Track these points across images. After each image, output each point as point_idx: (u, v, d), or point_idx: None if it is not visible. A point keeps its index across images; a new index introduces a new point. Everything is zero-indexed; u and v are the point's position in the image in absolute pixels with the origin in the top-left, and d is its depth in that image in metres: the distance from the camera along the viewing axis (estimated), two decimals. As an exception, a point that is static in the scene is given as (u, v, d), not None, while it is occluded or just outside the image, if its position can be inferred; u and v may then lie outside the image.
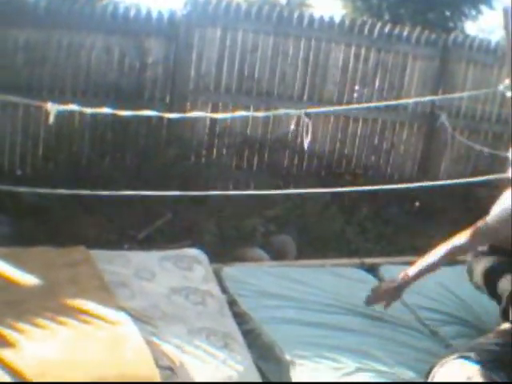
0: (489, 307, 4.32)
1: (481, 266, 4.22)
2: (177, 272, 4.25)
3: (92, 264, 4.01)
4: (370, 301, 4.17)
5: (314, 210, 6.87)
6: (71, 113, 6.71)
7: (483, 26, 13.41)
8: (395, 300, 4.10)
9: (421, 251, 4.44)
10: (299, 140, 7.63)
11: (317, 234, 6.68)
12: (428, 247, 5.05)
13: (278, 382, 3.62)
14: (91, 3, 6.89)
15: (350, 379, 3.61)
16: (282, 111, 6.43)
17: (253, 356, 3.71)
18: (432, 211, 7.38)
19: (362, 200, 6.92)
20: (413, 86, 8.00)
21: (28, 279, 3.69)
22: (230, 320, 3.96)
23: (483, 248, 4.23)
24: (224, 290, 4.31)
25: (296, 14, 7.59)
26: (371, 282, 4.96)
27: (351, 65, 7.81)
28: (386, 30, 7.85)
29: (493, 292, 4.13)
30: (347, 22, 7.81)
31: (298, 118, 6.94)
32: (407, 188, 5.90)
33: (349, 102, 7.68)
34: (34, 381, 2.89)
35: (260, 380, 3.53)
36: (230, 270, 4.62)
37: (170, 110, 6.69)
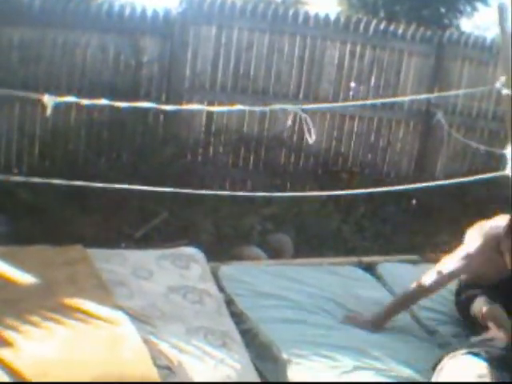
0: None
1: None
2: (174, 271, 4.25)
3: (89, 263, 4.01)
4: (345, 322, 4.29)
5: (311, 208, 6.87)
6: (67, 111, 6.72)
7: (478, 23, 13.40)
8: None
9: (418, 249, 4.46)
10: (296, 138, 7.65)
11: (314, 233, 6.67)
12: (425, 245, 5.08)
13: (278, 381, 3.61)
14: (86, 2, 6.87)
15: (347, 378, 3.62)
16: (278, 106, 6.41)
17: (250, 355, 3.72)
18: (429, 209, 7.39)
19: (358, 198, 6.91)
20: (408, 84, 7.99)
21: (26, 278, 3.69)
22: (228, 319, 3.97)
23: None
24: (221, 289, 4.32)
25: (291, 12, 7.57)
26: (369, 280, 4.98)
27: (347, 62, 7.80)
28: (382, 27, 7.84)
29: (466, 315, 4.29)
30: (342, 20, 7.79)
31: (295, 115, 6.95)
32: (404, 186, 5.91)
33: (345, 100, 7.69)
34: (33, 380, 2.89)
35: (258, 379, 3.53)
36: (227, 269, 4.62)
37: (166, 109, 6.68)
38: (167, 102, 7.05)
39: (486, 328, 3.98)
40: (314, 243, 6.54)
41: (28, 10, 6.52)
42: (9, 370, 2.91)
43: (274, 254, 6.00)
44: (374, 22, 7.90)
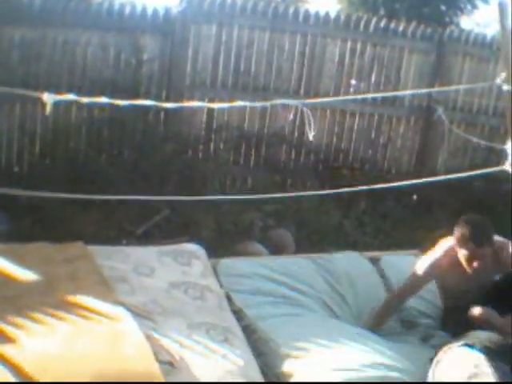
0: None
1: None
2: (176, 267, 4.24)
3: (90, 259, 4.00)
4: None
5: (312, 204, 6.87)
6: (68, 109, 6.73)
7: (478, 20, 13.36)
8: None
9: (419, 244, 4.48)
10: (296, 134, 7.66)
11: (315, 228, 6.69)
12: (425, 240, 5.08)
13: (278, 381, 3.61)
14: (86, 0, 6.88)
15: (345, 373, 3.60)
16: (279, 101, 6.42)
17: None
18: (429, 204, 7.40)
19: (359, 194, 6.92)
20: (409, 81, 7.99)
21: (26, 275, 3.69)
22: (229, 314, 3.96)
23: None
24: (220, 285, 4.32)
25: (291, 10, 7.58)
26: (369, 273, 4.98)
27: (347, 60, 7.81)
28: (382, 24, 7.85)
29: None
30: (342, 17, 7.80)
31: (296, 111, 6.95)
32: (404, 181, 5.92)
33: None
34: (35, 376, 2.89)
35: (260, 374, 3.53)
36: (225, 265, 4.62)
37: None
38: (168, 100, 7.07)
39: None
40: (315, 239, 6.56)
41: (28, 9, 6.54)
42: (10, 365, 2.91)
43: (276, 249, 6.01)
44: (375, 19, 7.91)
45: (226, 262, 4.65)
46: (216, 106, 6.79)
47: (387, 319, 4.49)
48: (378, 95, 7.50)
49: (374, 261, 5.04)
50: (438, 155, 8.24)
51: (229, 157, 7.62)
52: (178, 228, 6.20)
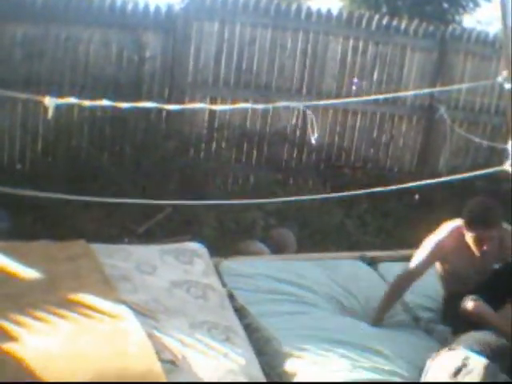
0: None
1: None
2: (177, 266, 4.25)
3: (92, 258, 4.01)
4: None
5: (314, 203, 6.86)
6: (70, 107, 6.72)
7: (481, 18, 13.34)
8: None
9: (420, 244, 4.47)
10: (298, 133, 7.65)
11: (317, 227, 6.68)
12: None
13: (279, 382, 3.60)
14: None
15: (347, 372, 3.60)
16: (281, 103, 6.40)
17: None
18: (431, 204, 7.38)
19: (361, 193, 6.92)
20: (411, 79, 7.98)
21: (29, 273, 3.69)
22: (231, 313, 3.97)
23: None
24: (223, 284, 4.32)
25: (294, 7, 7.57)
26: (370, 274, 4.98)
27: (349, 58, 7.79)
28: (384, 22, 7.83)
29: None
30: (345, 15, 7.79)
31: (298, 110, 6.94)
32: (407, 181, 5.91)
33: (347, 95, 7.66)
34: (37, 374, 2.89)
35: (261, 373, 3.53)
36: (228, 264, 4.62)
37: (169, 104, 6.67)
38: (170, 98, 7.07)
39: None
40: (317, 238, 6.55)
41: (31, 6, 6.54)
42: (14, 362, 2.91)
43: (277, 248, 6.01)
44: (377, 17, 7.90)
45: (229, 263, 4.66)
46: (218, 108, 6.78)
47: (394, 303, 4.44)
48: (381, 97, 7.47)
49: (375, 263, 5.07)
50: (439, 154, 8.22)
51: (231, 155, 7.60)
52: (180, 226, 6.20)
